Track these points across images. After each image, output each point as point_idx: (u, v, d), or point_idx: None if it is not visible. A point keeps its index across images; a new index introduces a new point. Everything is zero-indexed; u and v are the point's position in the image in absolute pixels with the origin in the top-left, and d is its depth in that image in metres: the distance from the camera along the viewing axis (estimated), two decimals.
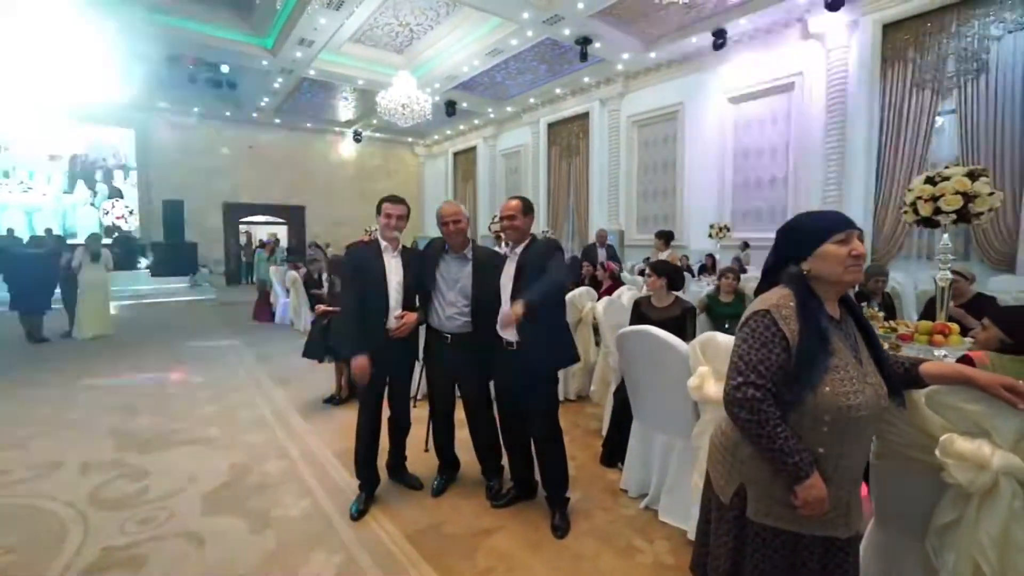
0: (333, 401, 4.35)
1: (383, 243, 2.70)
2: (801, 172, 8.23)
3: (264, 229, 16.16)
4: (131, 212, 13.35)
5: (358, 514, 2.59)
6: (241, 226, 15.53)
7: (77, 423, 3.90)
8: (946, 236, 2.91)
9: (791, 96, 8.29)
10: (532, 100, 12.85)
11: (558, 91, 12.16)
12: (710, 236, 8.31)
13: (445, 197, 17.28)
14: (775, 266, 1.41)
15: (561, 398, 4.29)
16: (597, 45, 9.27)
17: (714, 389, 2.02)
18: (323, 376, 4.82)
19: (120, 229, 12.88)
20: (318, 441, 3.54)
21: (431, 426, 2.87)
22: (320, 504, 2.72)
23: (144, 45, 9.17)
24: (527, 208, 2.51)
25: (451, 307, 2.64)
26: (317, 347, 4.37)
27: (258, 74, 10.86)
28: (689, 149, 9.94)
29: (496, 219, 2.57)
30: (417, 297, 2.78)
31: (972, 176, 2.69)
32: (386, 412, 2.78)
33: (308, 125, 15.26)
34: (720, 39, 8.57)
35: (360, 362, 2.56)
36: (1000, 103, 6.38)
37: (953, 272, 3.56)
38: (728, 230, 8.33)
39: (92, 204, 13.23)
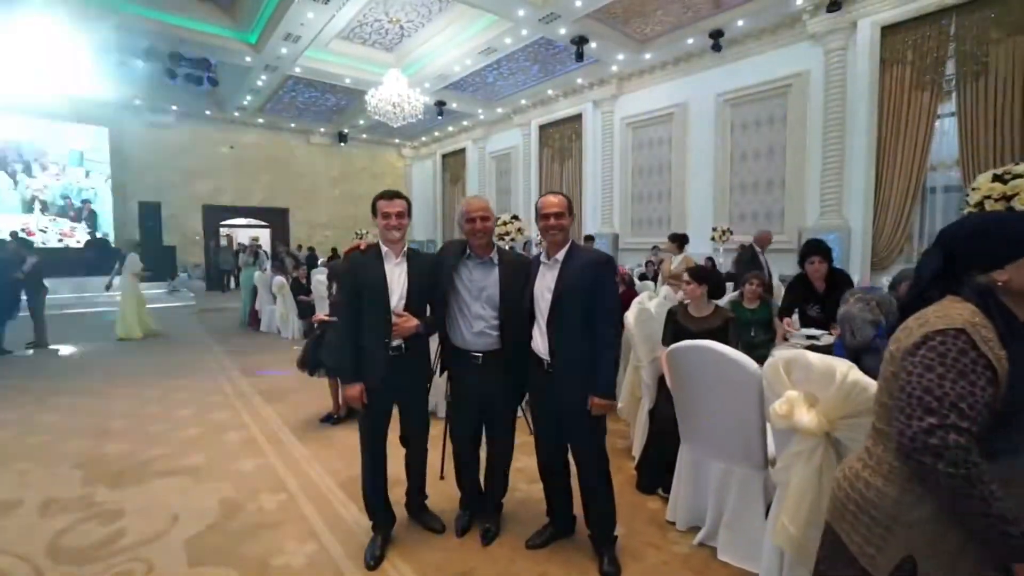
0: (331, 420, 3.92)
1: (384, 248, 2.26)
2: (798, 175, 8.06)
3: (246, 233, 15.48)
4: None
5: (374, 561, 2.19)
6: (222, 229, 14.81)
7: (38, 451, 3.39)
8: None
9: (789, 98, 8.13)
10: (523, 101, 12.53)
11: (550, 92, 11.86)
12: (712, 239, 8.09)
13: (433, 200, 16.84)
14: (942, 274, 1.09)
15: None
16: (593, 45, 8.99)
17: (808, 418, 1.69)
18: (317, 391, 4.37)
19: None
20: (319, 469, 3.11)
21: (449, 451, 2.48)
22: (328, 549, 2.32)
23: (118, 37, 8.54)
24: (571, 206, 2.15)
25: (479, 321, 2.23)
26: (309, 359, 3.93)
27: (241, 71, 10.30)
28: (685, 152, 9.72)
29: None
30: (428, 307, 2.36)
31: None
32: (395, 439, 2.39)
33: (292, 125, 14.65)
34: (717, 40, 8.38)
35: (351, 392, 2.17)
36: (999, 105, 6.28)
37: None
38: (731, 233, 8.12)
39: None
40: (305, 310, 7.21)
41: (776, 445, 2.01)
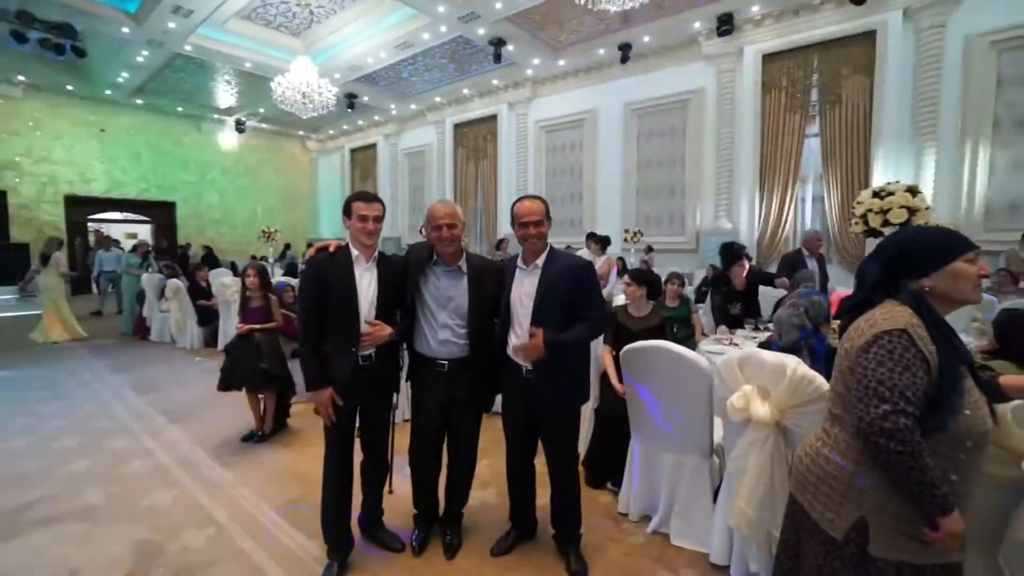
0: (254, 438, 3.52)
1: (354, 252, 2.11)
2: (696, 182, 8.81)
3: (120, 228, 13.44)
4: None
5: None
6: (91, 224, 12.70)
7: None
8: None
9: (688, 111, 8.84)
10: (438, 99, 12.28)
11: (466, 91, 11.75)
12: (625, 240, 8.55)
13: (341, 196, 15.90)
14: (881, 282, 1.28)
15: None
16: (510, 48, 9.05)
17: (763, 409, 1.84)
18: (231, 406, 3.90)
19: None
20: (250, 495, 2.78)
21: (396, 463, 2.35)
22: None
23: None
24: (548, 211, 2.12)
25: (444, 330, 2.14)
26: (232, 373, 3.49)
27: (116, 44, 8.85)
28: (595, 156, 10.17)
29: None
30: (398, 313, 2.23)
31: (912, 192, 2.89)
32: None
33: (179, 109, 12.94)
34: (626, 53, 8.86)
35: (322, 397, 2.01)
36: (850, 130, 7.37)
37: None
38: (642, 235, 8.64)
39: None
40: (206, 316, 6.44)
41: (726, 436, 2.17)
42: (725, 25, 7.76)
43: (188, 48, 9.00)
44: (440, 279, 2.16)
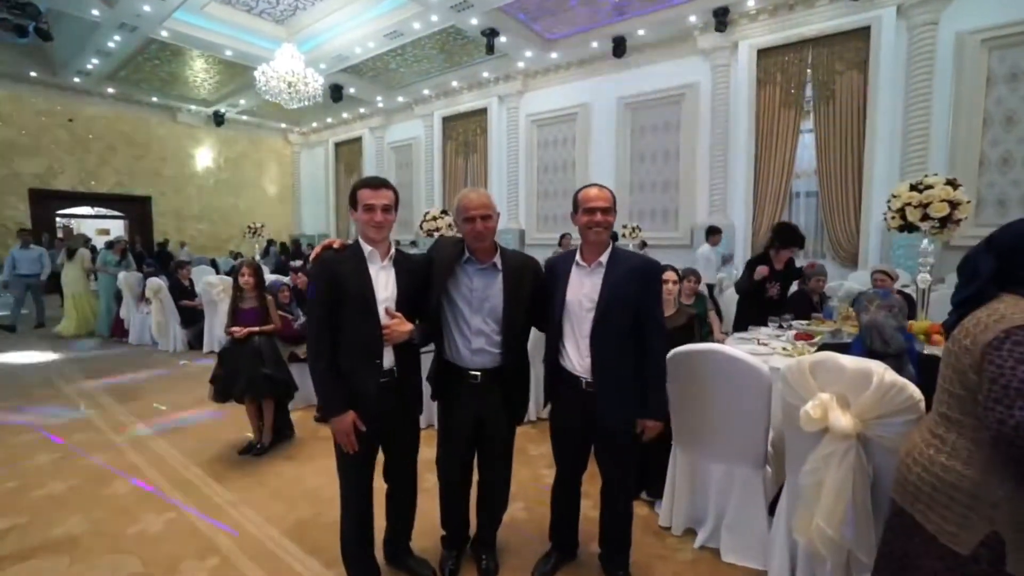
0: (253, 451, 3.20)
1: (367, 248, 1.82)
2: (691, 177, 8.69)
3: (92, 224, 12.70)
4: None
5: None
6: (59, 219, 11.94)
7: None
8: (926, 241, 2.97)
9: (682, 106, 8.70)
10: (427, 91, 11.90)
11: (455, 84, 11.41)
12: (623, 236, 8.37)
13: (326, 191, 15.38)
14: (995, 275, 1.19)
15: (534, 417, 3.74)
16: (503, 39, 8.76)
17: (845, 420, 1.64)
18: (223, 416, 3.58)
19: None
20: (255, 516, 2.48)
21: (439, 484, 2.10)
22: None
23: None
24: (615, 201, 1.85)
25: (479, 337, 1.87)
26: (232, 382, 3.15)
27: (85, 27, 8.24)
28: (588, 151, 9.97)
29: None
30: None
31: (952, 185, 2.75)
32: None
33: (155, 99, 12.23)
34: (620, 46, 8.67)
35: (343, 424, 1.72)
36: (844, 125, 7.33)
37: (877, 271, 3.79)
38: (640, 230, 8.49)
39: None
40: (189, 317, 6.02)
41: (789, 446, 1.97)
42: (720, 19, 7.62)
43: (164, 34, 8.45)
44: (473, 279, 1.89)
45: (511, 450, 2.06)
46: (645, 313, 1.79)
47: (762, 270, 3.56)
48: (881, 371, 1.62)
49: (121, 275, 6.41)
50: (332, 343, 1.75)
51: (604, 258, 1.82)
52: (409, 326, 1.82)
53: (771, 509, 2.15)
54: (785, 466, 2.03)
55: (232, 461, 3.10)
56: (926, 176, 2.93)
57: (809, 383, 1.77)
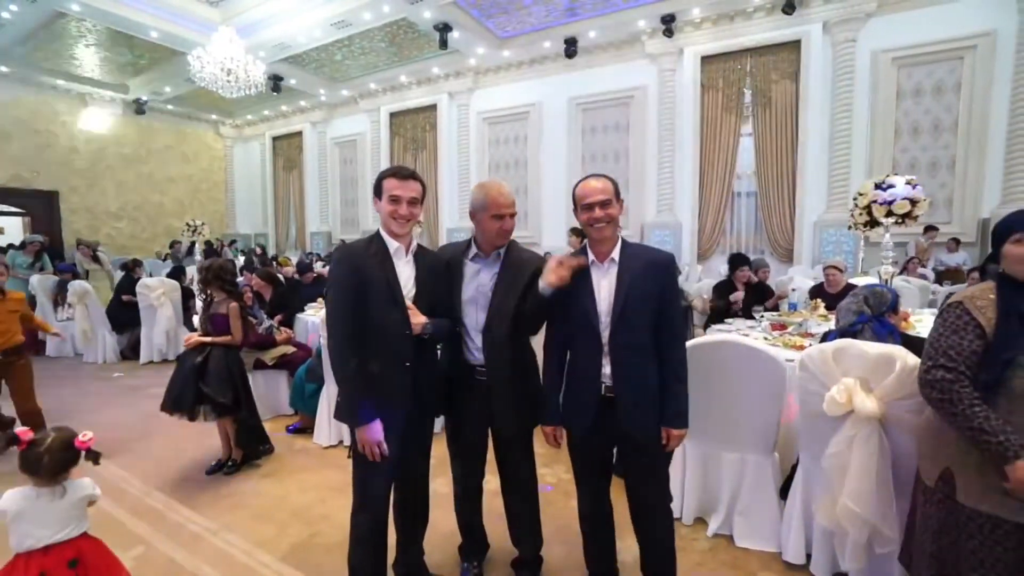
0: (223, 468, 2.86)
1: (392, 243, 1.68)
2: (640, 178, 8.95)
3: None
4: None
5: None
6: None
7: None
8: (887, 235, 3.20)
9: (631, 108, 8.94)
10: (373, 85, 11.39)
11: (403, 79, 11.00)
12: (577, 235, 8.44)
13: (263, 188, 14.33)
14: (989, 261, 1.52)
15: None
16: (455, 35, 8.55)
17: (870, 403, 1.70)
18: (180, 432, 3.17)
19: None
20: (240, 542, 2.19)
21: (454, 486, 1.97)
22: None
23: None
24: (618, 190, 1.68)
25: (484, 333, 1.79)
26: (186, 395, 2.77)
27: None
28: (539, 150, 9.99)
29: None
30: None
31: (911, 185, 2.97)
32: None
33: (60, 82, 10.74)
34: (572, 47, 8.75)
35: (372, 433, 1.56)
36: (779, 131, 7.86)
37: (829, 266, 4.07)
38: None
39: None
40: (125, 321, 5.32)
41: (805, 432, 2.02)
42: (668, 25, 7.89)
43: (76, 8, 7.41)
44: (480, 274, 1.79)
45: (531, 451, 1.95)
46: (663, 315, 1.62)
47: (738, 295, 4.23)
48: (903, 354, 1.69)
49: (35, 278, 5.54)
50: (357, 344, 1.58)
51: (615, 254, 1.65)
52: (423, 318, 1.69)
53: (781, 493, 2.21)
54: (800, 451, 2.08)
55: (200, 482, 2.75)
56: (887, 176, 3.16)
57: (832, 369, 1.82)
